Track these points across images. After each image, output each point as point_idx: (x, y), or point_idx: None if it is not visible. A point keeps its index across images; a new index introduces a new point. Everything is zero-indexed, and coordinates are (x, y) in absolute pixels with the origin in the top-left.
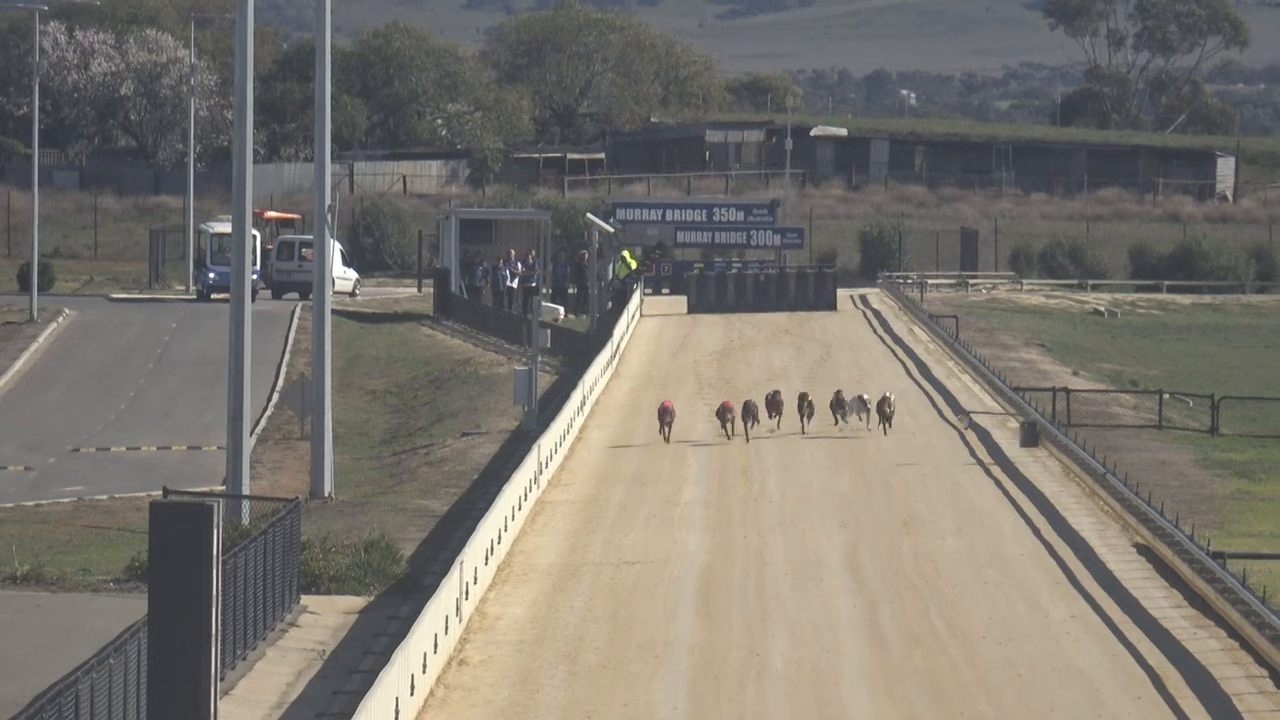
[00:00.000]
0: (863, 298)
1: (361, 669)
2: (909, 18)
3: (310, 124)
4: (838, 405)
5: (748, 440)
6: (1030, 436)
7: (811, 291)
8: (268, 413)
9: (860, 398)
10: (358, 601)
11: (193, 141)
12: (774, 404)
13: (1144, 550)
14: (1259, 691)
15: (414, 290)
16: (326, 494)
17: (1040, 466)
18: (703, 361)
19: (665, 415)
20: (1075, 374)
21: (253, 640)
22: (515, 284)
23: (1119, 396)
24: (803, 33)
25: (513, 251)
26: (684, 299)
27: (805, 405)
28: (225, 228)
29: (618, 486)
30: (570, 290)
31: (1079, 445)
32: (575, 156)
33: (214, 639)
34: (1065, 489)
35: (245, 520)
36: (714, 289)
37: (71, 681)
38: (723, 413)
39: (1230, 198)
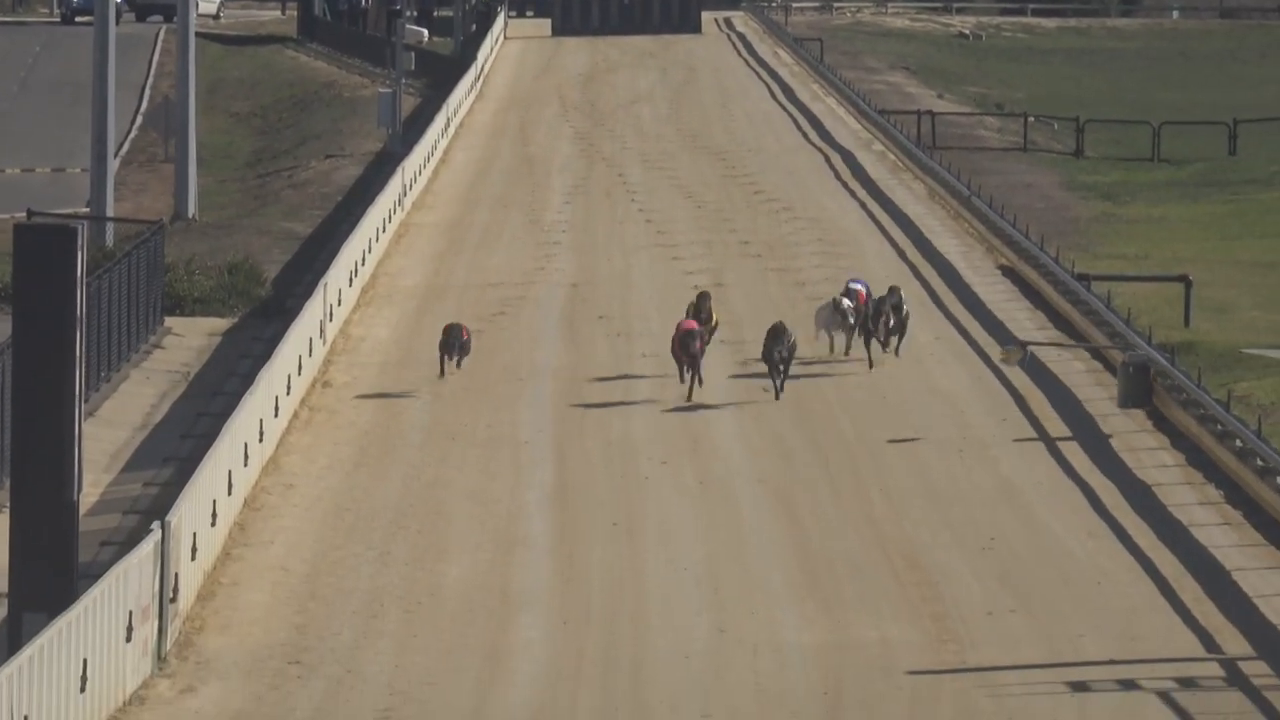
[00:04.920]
0: (727, 21)
1: (225, 391)
2: None
3: None
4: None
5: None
6: (1138, 389)
7: (676, 15)
8: (132, 135)
9: (836, 305)
10: (221, 323)
11: None
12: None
13: (1009, 272)
14: (1122, 412)
15: (278, 13)
16: (190, 216)
17: (906, 190)
18: (567, 84)
19: (453, 345)
20: (940, 97)
21: (117, 362)
22: (367, 3)
23: (984, 119)
24: None
25: None
26: (548, 22)
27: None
28: None
29: (481, 209)
30: (435, 13)
31: (944, 168)
32: None
33: (79, 361)
34: (930, 211)
35: (110, 242)
36: (578, 11)
37: None
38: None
39: None
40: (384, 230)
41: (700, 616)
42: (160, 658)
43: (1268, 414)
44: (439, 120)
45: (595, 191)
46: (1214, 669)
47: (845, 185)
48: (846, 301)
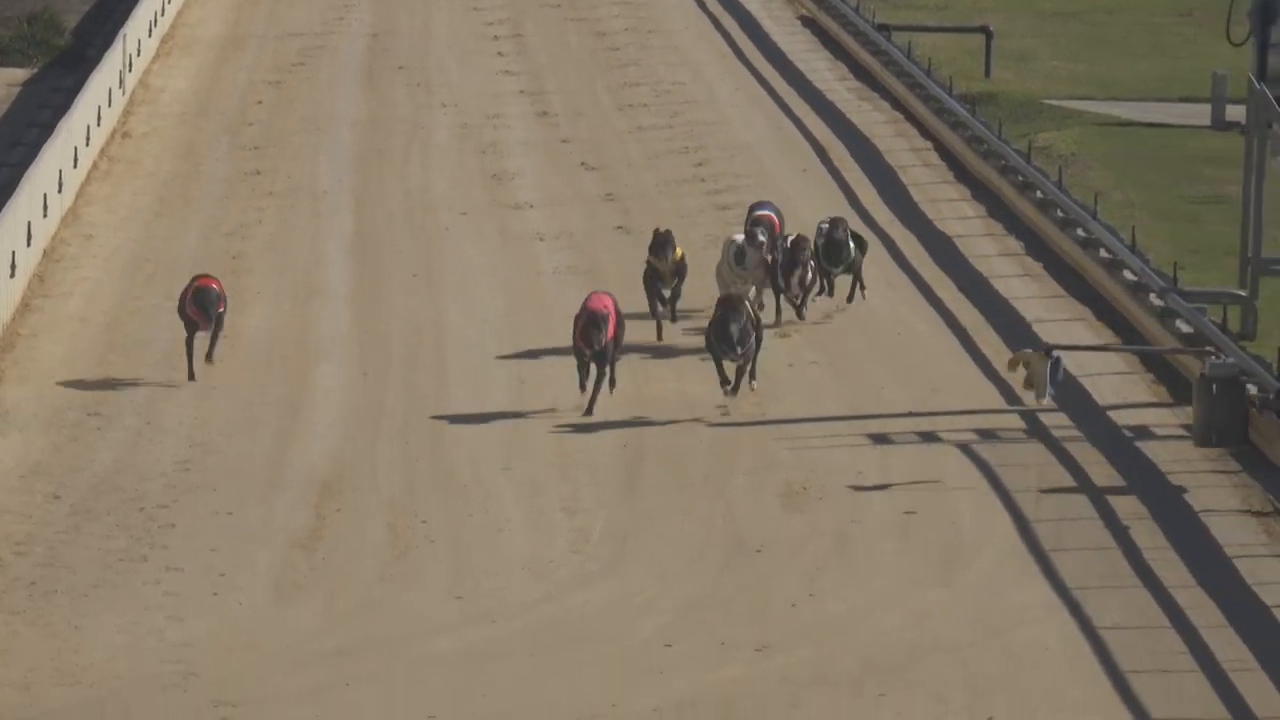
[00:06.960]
0: None
1: (24, 142)
2: None
3: None
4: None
5: None
6: (1228, 419)
7: None
8: None
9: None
10: (20, 74)
11: None
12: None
13: (809, 23)
14: (924, 164)
15: None
16: None
17: None
18: None
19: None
20: None
21: None
22: None
23: None
24: None
25: None
26: None
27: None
28: None
29: None
30: None
31: None
32: None
33: None
34: None
35: None
36: None
37: None
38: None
39: None
40: None
41: (500, 369)
42: None
43: (1068, 165)
44: None
45: None
46: (1014, 420)
47: None
48: (738, 238)
